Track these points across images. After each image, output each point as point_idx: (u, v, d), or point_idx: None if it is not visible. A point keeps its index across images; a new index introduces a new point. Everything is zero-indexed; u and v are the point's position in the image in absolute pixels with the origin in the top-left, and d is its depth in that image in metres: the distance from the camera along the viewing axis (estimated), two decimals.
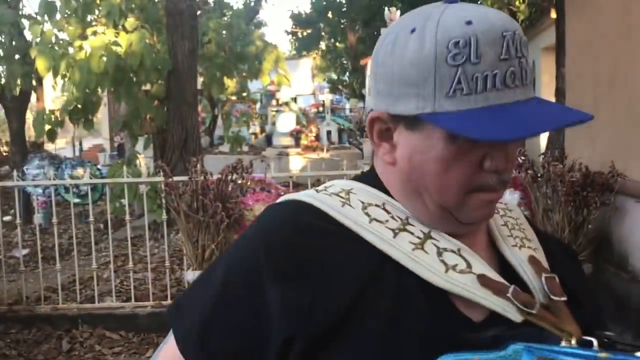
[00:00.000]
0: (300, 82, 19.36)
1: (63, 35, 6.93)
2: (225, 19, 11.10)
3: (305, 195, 0.81)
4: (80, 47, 6.17)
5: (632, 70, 4.10)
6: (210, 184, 4.12)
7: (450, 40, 0.70)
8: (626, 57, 4.17)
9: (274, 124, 15.39)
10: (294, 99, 18.00)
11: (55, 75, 6.25)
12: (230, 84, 11.39)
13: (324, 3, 21.28)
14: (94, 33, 6.26)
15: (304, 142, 14.19)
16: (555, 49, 9.21)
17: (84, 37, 6.46)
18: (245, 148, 13.39)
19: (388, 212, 0.79)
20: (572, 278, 0.85)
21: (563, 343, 0.67)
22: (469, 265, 0.76)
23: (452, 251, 0.77)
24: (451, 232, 0.79)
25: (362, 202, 0.80)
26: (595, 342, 0.67)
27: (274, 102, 16.55)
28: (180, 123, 7.18)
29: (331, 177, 5.76)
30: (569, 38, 5.42)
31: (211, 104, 14.42)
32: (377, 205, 0.80)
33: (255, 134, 16.53)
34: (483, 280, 0.74)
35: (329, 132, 14.73)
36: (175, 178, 4.32)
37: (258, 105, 17.07)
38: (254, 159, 9.51)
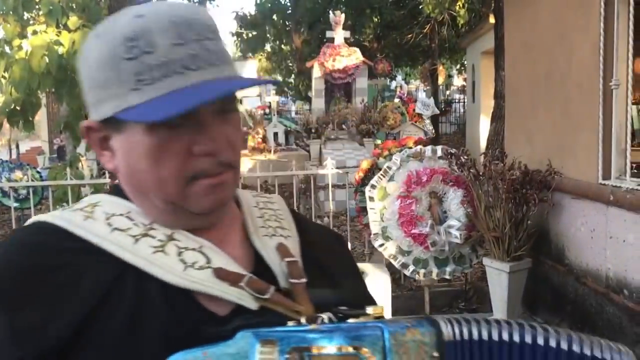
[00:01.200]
0: None
1: None
2: None
3: (48, 216, 0.81)
4: (20, 47, 5.97)
5: (566, 72, 4.30)
6: None
7: (123, 37, 0.72)
8: (561, 60, 4.38)
9: None
10: (240, 101, 17.91)
11: None
12: None
13: (269, 5, 21.25)
14: (34, 32, 6.06)
15: (250, 143, 14.12)
16: (494, 53, 9.54)
17: (23, 35, 6.25)
18: None
19: (131, 220, 0.80)
20: (332, 260, 0.91)
21: (290, 323, 0.70)
22: (208, 261, 0.77)
23: (193, 249, 0.78)
24: (190, 227, 0.81)
25: (106, 213, 0.80)
26: (325, 317, 0.71)
27: None
28: None
29: (280, 178, 5.80)
30: (509, 41, 5.64)
31: None
32: (121, 215, 0.80)
33: None
34: (219, 273, 0.76)
35: (275, 134, 14.70)
36: None
37: None
38: None
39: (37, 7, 6.61)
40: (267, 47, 23.75)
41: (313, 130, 11.64)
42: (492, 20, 10.43)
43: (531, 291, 4.60)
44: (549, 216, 4.50)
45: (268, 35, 22.17)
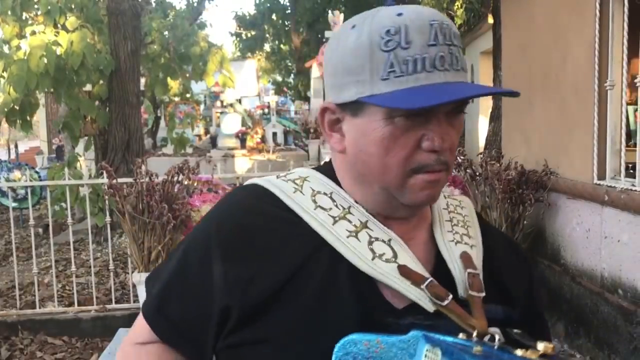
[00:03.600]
0: (244, 84, 19.27)
1: None
2: (169, 19, 10.95)
3: (264, 180, 0.91)
4: (18, 47, 5.99)
5: (562, 72, 4.32)
6: (156, 186, 4.08)
7: (383, 29, 0.78)
8: (556, 60, 4.39)
9: (218, 125, 15.26)
10: (239, 101, 17.91)
11: None
12: (174, 85, 11.24)
13: (268, 5, 21.26)
14: (33, 32, 6.08)
15: (249, 143, 14.14)
16: (492, 53, 9.54)
17: (21, 36, 6.27)
18: (189, 150, 13.24)
19: (333, 201, 0.87)
20: (509, 274, 0.93)
21: (461, 335, 0.72)
22: (395, 255, 0.82)
23: (383, 241, 0.84)
24: (394, 215, 0.86)
25: (313, 190, 0.88)
26: (496, 335, 0.73)
27: (218, 103, 16.43)
28: (123, 124, 7.05)
29: None
30: (505, 42, 5.65)
31: (154, 105, 14.19)
32: (325, 194, 0.88)
33: (199, 135, 16.36)
34: (403, 270, 0.81)
35: (274, 134, 14.73)
36: (119, 180, 4.27)
37: (202, 107, 16.90)
38: (199, 160, 9.40)
39: (35, 7, 6.63)
40: (266, 47, 23.75)
41: (312, 130, 11.64)
42: (490, 20, 10.43)
43: None
44: (545, 216, 4.52)
45: (267, 35, 22.16)
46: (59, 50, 6.03)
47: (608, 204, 3.69)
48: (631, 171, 3.70)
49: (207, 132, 16.68)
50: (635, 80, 3.69)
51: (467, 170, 4.58)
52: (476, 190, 4.56)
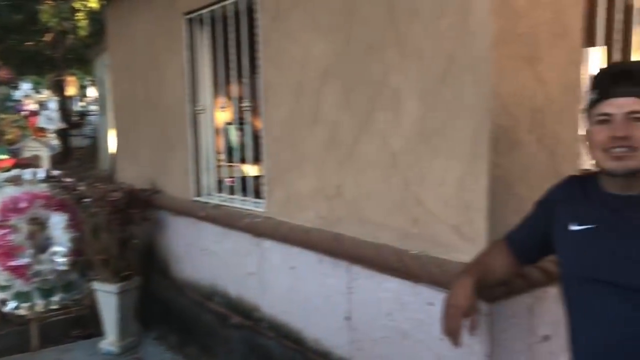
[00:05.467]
0: None
1: None
2: None
3: None
4: None
5: (160, 95, 4.52)
6: None
7: None
8: (155, 83, 4.58)
9: None
10: None
11: None
12: None
13: None
14: None
15: None
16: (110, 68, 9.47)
17: None
18: None
19: None
20: None
21: None
22: None
23: None
24: None
25: None
26: None
27: None
28: None
29: None
30: (113, 60, 5.64)
31: None
32: None
33: None
34: None
35: None
36: None
37: None
38: None
39: None
40: None
41: None
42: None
43: (145, 308, 4.69)
44: (155, 233, 4.66)
45: None
46: None
47: (204, 219, 3.99)
48: (233, 185, 4.07)
49: None
50: (221, 106, 4.10)
51: (74, 193, 4.43)
52: (86, 212, 4.44)
